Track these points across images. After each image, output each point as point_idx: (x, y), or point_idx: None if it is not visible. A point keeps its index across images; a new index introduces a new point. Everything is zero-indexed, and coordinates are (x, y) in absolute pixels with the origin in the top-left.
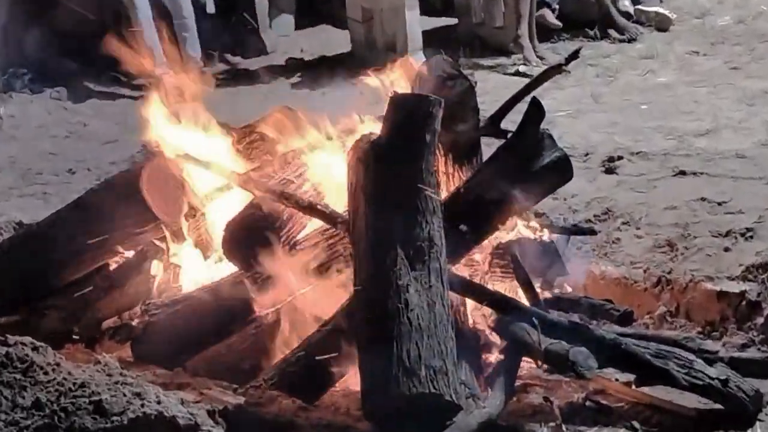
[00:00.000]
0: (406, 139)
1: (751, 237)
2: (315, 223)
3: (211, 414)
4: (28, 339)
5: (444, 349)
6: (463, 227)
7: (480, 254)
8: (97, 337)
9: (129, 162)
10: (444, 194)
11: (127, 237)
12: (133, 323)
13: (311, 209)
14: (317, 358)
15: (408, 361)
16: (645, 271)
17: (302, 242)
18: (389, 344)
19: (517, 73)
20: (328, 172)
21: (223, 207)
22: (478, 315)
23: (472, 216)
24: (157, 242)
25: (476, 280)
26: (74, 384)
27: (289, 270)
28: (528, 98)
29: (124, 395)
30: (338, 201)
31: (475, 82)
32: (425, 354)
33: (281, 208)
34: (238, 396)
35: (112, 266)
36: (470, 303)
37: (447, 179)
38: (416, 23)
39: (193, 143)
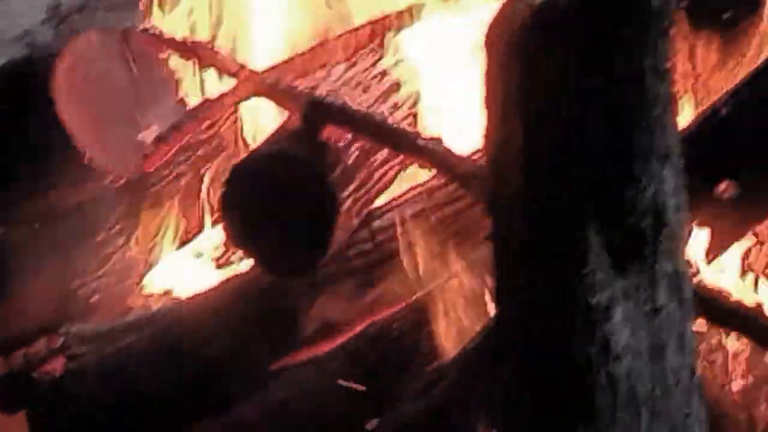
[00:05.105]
0: (609, 2)
1: None
2: (413, 176)
3: None
4: None
5: None
6: (725, 187)
7: (764, 243)
8: None
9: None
10: (687, 119)
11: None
12: (35, 373)
13: (406, 145)
14: None
15: None
16: None
17: (386, 211)
18: None
19: None
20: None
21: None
22: (756, 371)
23: (747, 162)
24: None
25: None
26: None
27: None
28: None
29: None
30: (464, 133)
31: None
32: None
33: (344, 141)
34: None
35: None
36: (734, 346)
37: (692, 89)
38: None
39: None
